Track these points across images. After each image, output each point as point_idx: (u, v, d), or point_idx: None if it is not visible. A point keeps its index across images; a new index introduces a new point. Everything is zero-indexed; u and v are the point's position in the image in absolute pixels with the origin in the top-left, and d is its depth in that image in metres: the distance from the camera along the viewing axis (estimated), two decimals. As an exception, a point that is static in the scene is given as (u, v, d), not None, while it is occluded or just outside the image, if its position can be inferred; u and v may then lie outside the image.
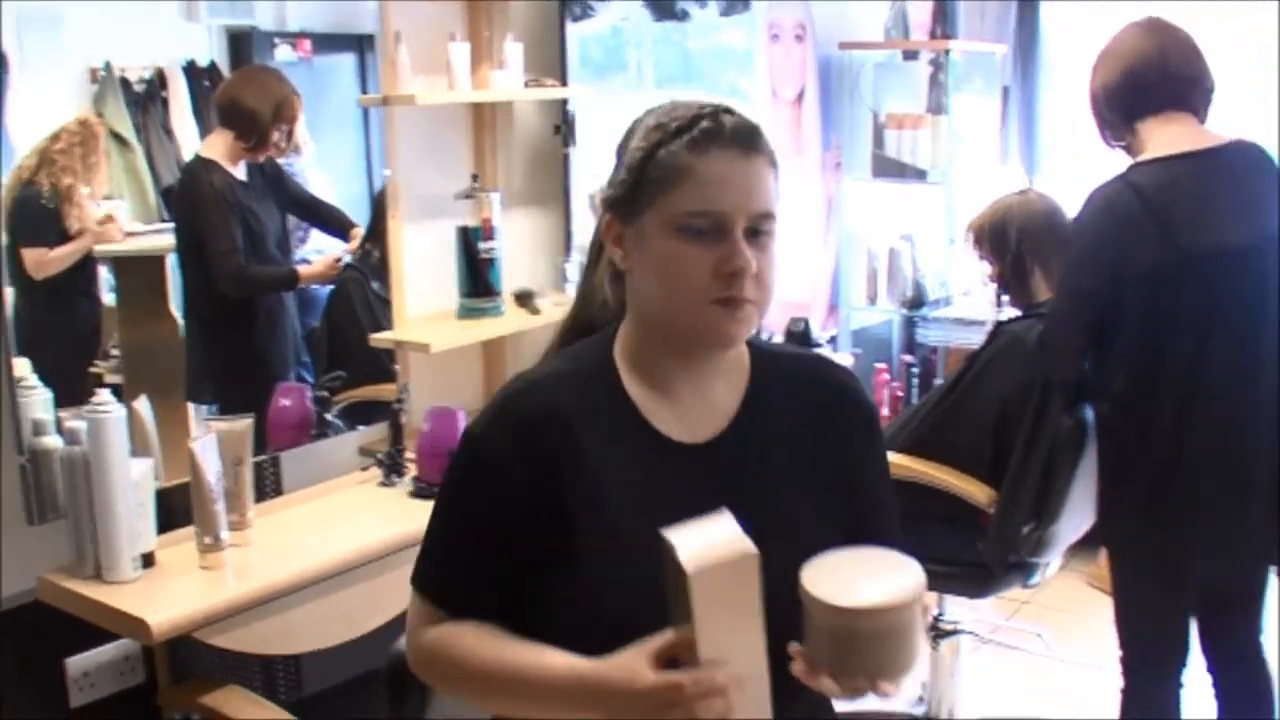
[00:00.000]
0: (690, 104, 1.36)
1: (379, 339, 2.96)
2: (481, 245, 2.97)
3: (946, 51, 4.40)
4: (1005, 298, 3.25)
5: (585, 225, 3.23)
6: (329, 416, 2.90)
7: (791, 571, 1.18)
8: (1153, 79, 2.45)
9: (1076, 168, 4.61)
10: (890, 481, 1.51)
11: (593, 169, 3.23)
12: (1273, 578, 2.64)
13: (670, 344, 1.38)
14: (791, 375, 1.46)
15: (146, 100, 2.63)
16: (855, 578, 1.19)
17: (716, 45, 4.02)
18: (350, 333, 3.02)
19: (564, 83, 3.29)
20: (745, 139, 1.33)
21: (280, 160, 2.86)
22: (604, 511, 1.33)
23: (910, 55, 4.60)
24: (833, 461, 1.44)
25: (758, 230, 1.33)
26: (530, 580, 1.33)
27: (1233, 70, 3.10)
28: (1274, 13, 4.14)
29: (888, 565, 1.22)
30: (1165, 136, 2.45)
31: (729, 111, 1.35)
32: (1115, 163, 2.55)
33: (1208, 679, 2.69)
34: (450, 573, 1.38)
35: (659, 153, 1.33)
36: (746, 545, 1.15)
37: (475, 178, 3.07)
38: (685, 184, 1.31)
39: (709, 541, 1.15)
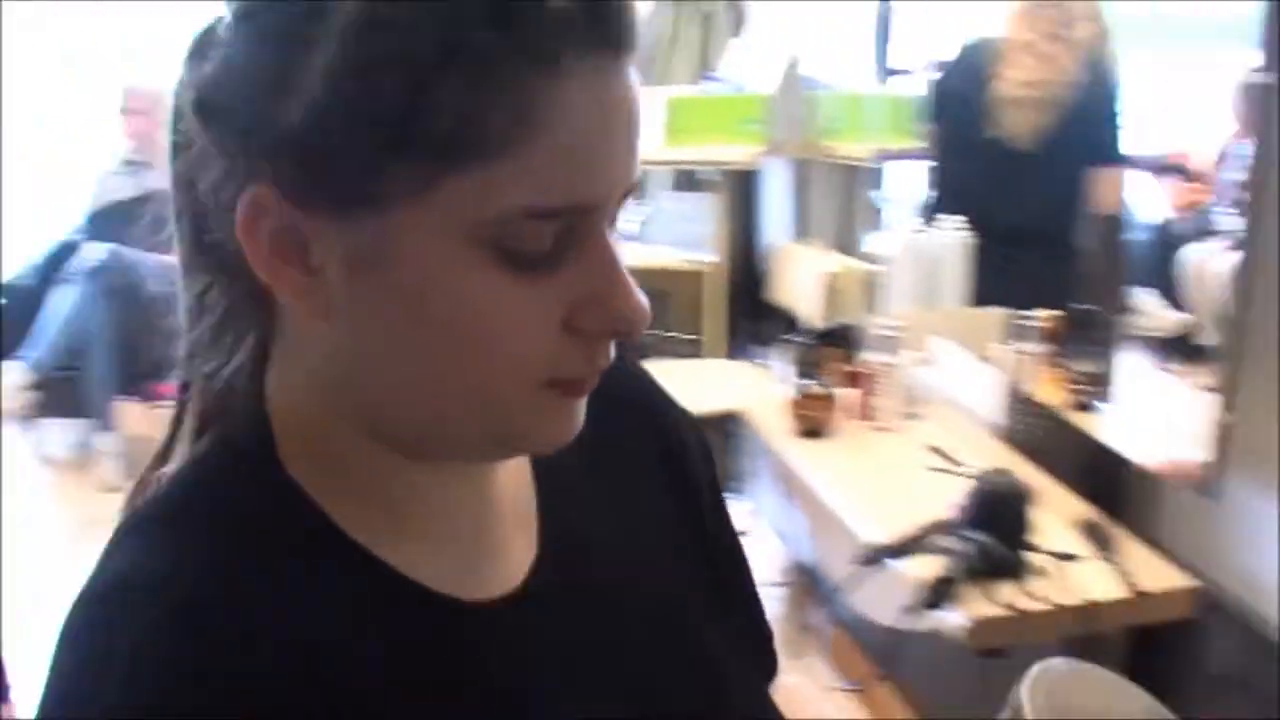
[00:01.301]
0: None
1: None
2: None
3: None
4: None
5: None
6: None
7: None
8: None
9: None
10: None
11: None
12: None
13: (421, 449, 0.69)
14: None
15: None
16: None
17: None
18: None
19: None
20: (615, 23, 0.61)
21: None
22: None
23: None
24: (689, 528, 0.86)
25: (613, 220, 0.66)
26: None
27: None
28: None
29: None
30: None
31: None
32: None
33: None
34: None
35: (445, 77, 0.58)
36: None
37: None
38: (519, 150, 0.59)
39: None
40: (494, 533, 0.73)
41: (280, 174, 0.61)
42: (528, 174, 0.59)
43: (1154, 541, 1.97)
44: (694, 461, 0.88)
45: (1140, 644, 1.93)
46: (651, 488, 0.85)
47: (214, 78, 0.62)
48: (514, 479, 0.76)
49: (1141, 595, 1.82)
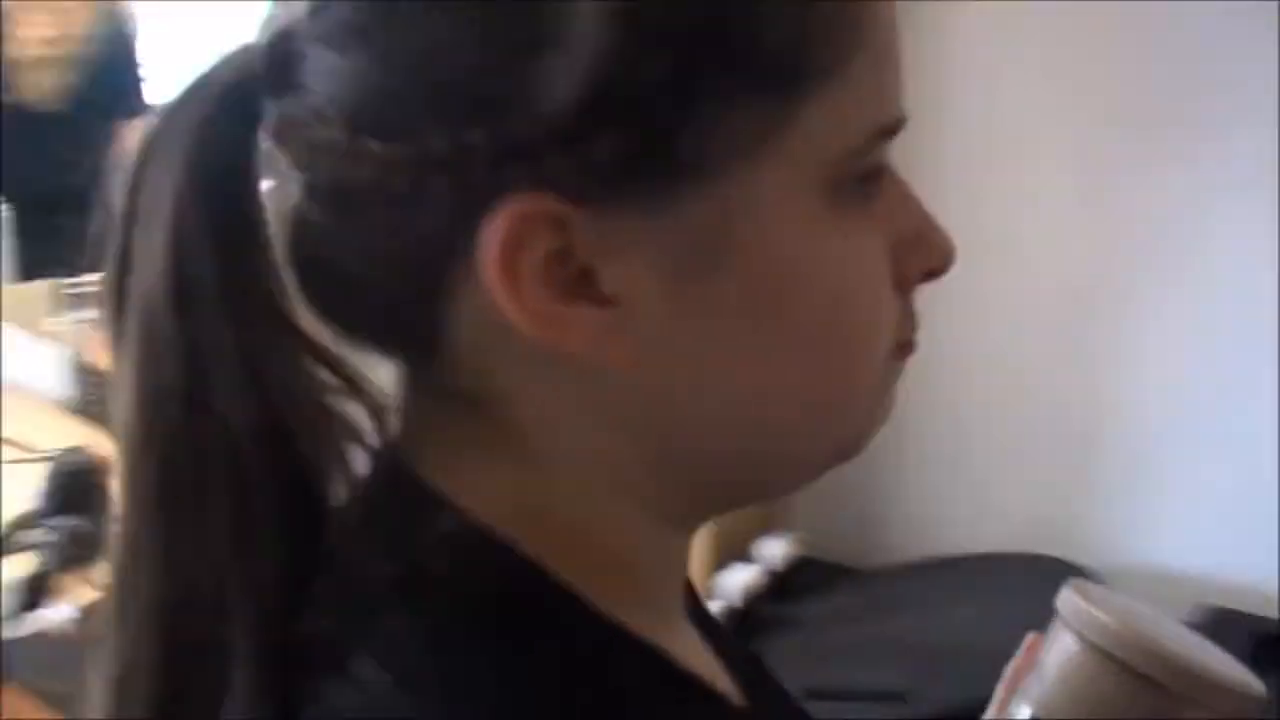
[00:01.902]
0: None
1: None
2: None
3: None
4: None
5: None
6: None
7: None
8: None
9: None
10: None
11: None
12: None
13: (735, 496, 0.53)
14: None
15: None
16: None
17: None
18: None
19: None
20: None
21: None
22: None
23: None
24: None
25: None
26: None
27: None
28: None
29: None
30: None
31: None
32: None
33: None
34: None
35: None
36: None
37: None
38: (857, 57, 0.44)
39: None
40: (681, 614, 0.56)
41: (553, 174, 0.41)
42: (870, 86, 0.45)
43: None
44: None
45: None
46: None
47: (378, 80, 0.42)
48: None
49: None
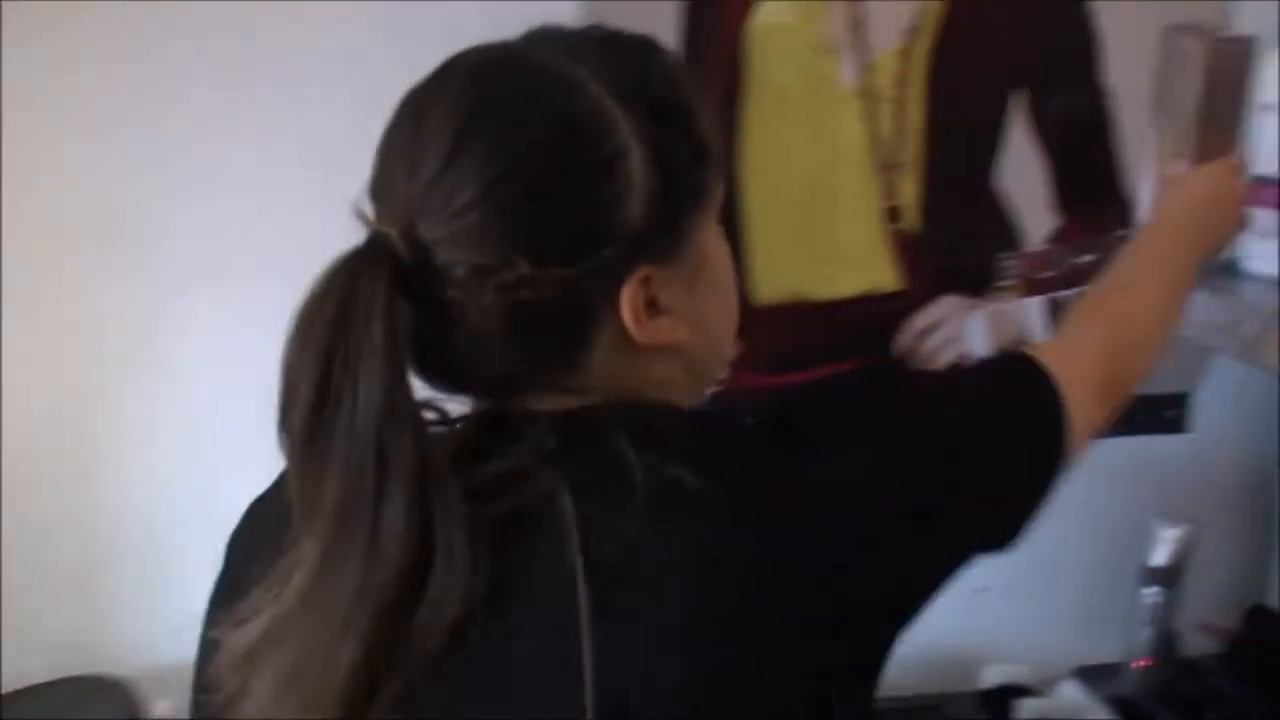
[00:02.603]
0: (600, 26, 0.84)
1: None
2: None
3: None
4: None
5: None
6: None
7: None
8: None
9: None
10: None
11: None
12: None
13: (712, 382, 0.92)
14: None
15: None
16: None
17: None
18: None
19: None
20: None
21: None
22: None
23: None
24: None
25: None
26: None
27: None
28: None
29: None
30: None
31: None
32: None
33: None
34: None
35: (704, 124, 0.81)
36: None
37: None
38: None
39: None
40: None
41: (641, 255, 0.76)
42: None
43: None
44: None
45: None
46: None
47: (504, 228, 0.72)
48: None
49: None
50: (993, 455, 0.84)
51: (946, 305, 1.61)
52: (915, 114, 1.56)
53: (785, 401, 0.89)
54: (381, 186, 0.75)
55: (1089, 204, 1.65)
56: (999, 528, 0.84)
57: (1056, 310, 1.63)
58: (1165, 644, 1.59)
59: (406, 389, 0.70)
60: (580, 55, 0.76)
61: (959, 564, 0.80)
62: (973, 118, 1.60)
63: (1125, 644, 1.59)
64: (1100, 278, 1.10)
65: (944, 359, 1.62)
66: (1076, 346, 0.99)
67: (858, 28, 1.53)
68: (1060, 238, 1.64)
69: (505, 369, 0.76)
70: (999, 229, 1.62)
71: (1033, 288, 1.63)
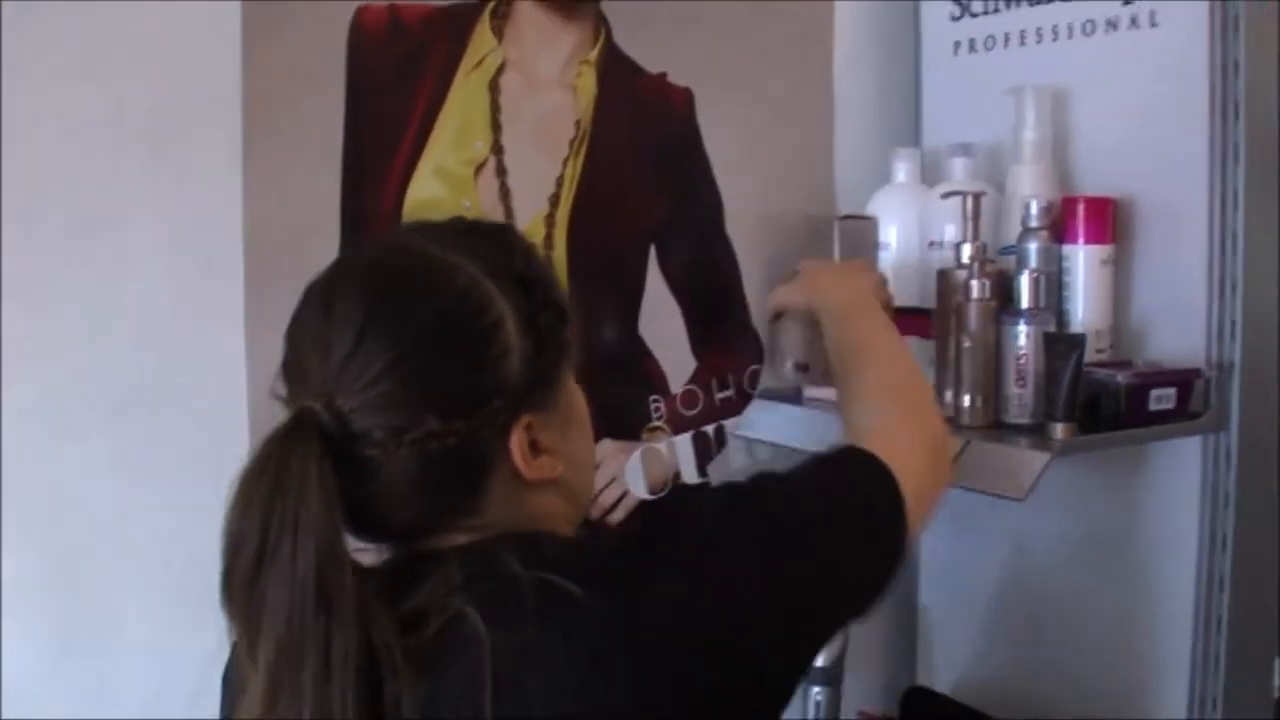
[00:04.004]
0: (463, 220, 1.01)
1: None
2: None
3: None
4: None
5: None
6: None
7: None
8: None
9: None
10: None
11: None
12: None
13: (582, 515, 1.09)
14: None
15: None
16: None
17: None
18: None
19: None
20: None
21: None
22: None
23: None
24: None
25: None
26: None
27: None
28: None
29: None
30: None
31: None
32: None
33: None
34: None
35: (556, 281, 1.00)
36: None
37: None
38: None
39: None
40: None
41: (524, 404, 0.91)
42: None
43: None
44: None
45: None
46: None
47: (410, 394, 0.87)
48: None
49: None
50: (839, 537, 0.98)
51: (604, 449, 1.71)
52: (562, 274, 1.69)
53: (645, 520, 1.08)
54: (296, 368, 0.89)
55: (723, 344, 1.81)
56: (855, 600, 1.00)
57: (705, 443, 1.79)
58: (834, 737, 1.73)
59: (343, 539, 0.84)
60: (451, 243, 0.93)
61: (823, 637, 1.00)
62: (614, 272, 1.73)
63: (800, 740, 1.72)
64: (850, 369, 1.25)
65: (609, 499, 1.73)
66: (890, 432, 1.11)
67: (506, 197, 1.64)
68: (701, 377, 1.79)
69: (416, 514, 0.91)
70: (646, 373, 1.75)
71: (680, 426, 1.78)
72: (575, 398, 0.99)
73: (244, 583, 0.82)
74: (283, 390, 0.90)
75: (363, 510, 0.88)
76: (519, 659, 0.83)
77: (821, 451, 1.08)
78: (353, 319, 0.87)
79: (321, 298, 0.90)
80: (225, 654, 1.00)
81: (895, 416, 1.14)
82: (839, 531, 0.99)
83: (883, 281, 1.48)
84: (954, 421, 1.50)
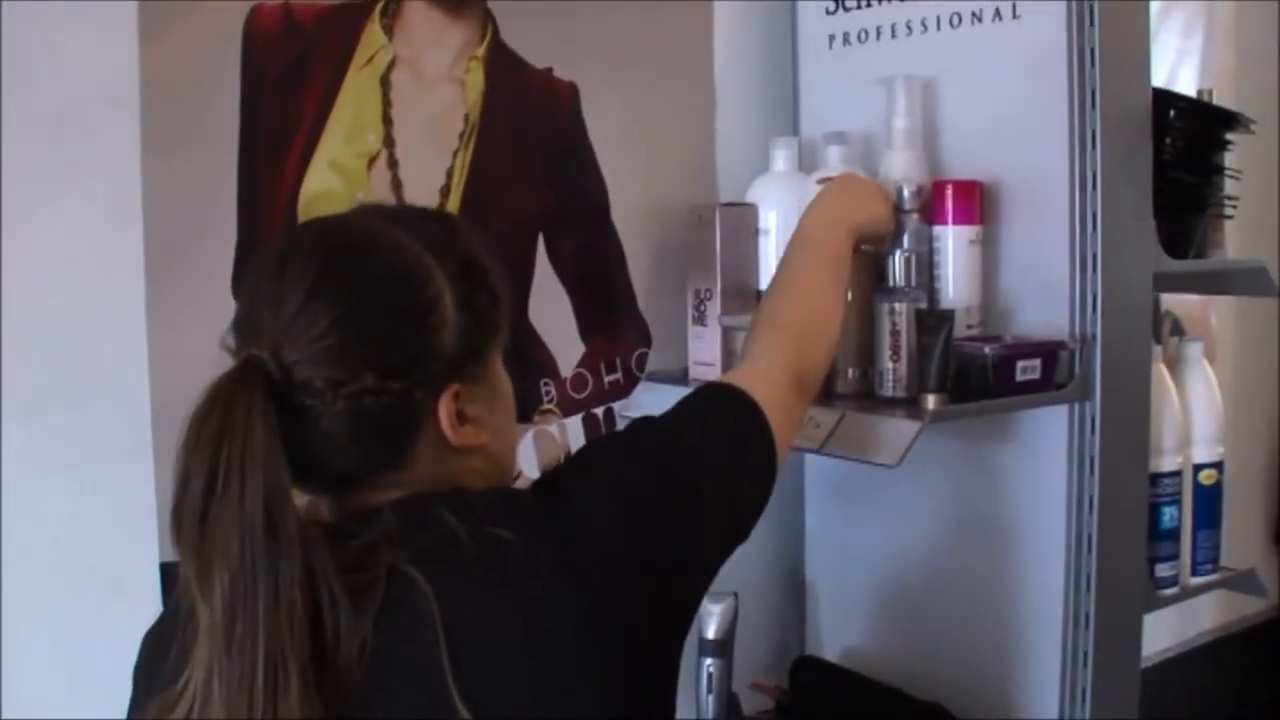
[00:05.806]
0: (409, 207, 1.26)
1: None
2: None
3: None
4: None
5: None
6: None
7: None
8: None
9: None
10: None
11: None
12: None
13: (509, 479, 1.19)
14: None
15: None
16: None
17: None
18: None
19: None
20: None
21: None
22: None
23: None
24: None
25: None
26: None
27: None
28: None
29: None
30: None
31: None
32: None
33: None
34: None
35: (496, 277, 1.07)
36: None
37: None
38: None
39: None
40: None
41: (456, 373, 1.00)
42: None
43: None
44: None
45: None
46: None
47: (351, 350, 0.94)
48: None
49: None
50: (718, 466, 1.10)
51: (498, 432, 1.74)
52: (453, 263, 1.72)
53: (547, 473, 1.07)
54: (247, 321, 0.97)
55: (610, 330, 1.86)
56: (738, 525, 1.11)
57: (594, 424, 1.83)
58: (727, 707, 1.78)
59: (288, 474, 0.90)
60: (402, 222, 1.02)
61: (715, 560, 1.07)
62: (503, 261, 1.76)
63: (693, 710, 1.76)
64: (768, 294, 1.36)
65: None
66: (763, 363, 1.24)
67: (398, 189, 1.66)
68: (589, 361, 1.83)
69: (349, 464, 0.98)
70: (537, 358, 1.79)
71: (570, 408, 1.82)
72: (502, 377, 1.08)
73: (194, 517, 0.87)
74: (232, 343, 0.97)
75: (302, 455, 0.93)
76: (465, 606, 0.91)
77: (688, 392, 1.18)
78: (305, 278, 0.94)
79: (278, 259, 0.97)
80: (133, 638, 1.02)
81: (773, 351, 1.26)
82: (719, 453, 1.11)
83: (886, 197, 1.57)
84: (831, 392, 1.57)
